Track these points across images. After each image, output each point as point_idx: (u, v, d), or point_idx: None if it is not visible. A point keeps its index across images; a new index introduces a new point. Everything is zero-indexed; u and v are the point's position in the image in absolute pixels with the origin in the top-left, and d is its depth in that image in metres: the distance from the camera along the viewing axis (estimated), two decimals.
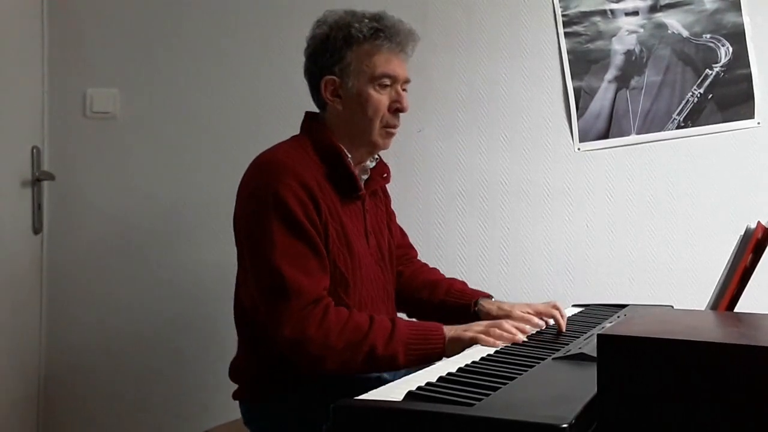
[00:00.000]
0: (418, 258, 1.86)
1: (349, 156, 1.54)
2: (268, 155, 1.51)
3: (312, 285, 1.39)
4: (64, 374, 2.23)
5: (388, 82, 1.52)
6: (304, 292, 1.38)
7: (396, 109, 1.54)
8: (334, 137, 1.54)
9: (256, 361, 1.54)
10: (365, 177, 1.62)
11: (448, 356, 1.38)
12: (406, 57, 1.57)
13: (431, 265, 1.86)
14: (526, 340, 1.37)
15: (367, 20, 1.52)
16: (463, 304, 1.66)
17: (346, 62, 1.51)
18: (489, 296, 1.70)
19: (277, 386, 1.51)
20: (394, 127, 1.56)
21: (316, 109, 1.61)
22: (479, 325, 1.41)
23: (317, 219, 1.43)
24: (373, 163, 1.64)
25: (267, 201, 1.41)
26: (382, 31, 1.51)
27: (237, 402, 1.62)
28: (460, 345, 1.37)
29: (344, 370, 1.40)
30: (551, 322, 1.54)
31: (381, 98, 1.52)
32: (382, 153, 1.66)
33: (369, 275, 1.55)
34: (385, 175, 1.69)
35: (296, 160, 1.47)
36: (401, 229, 1.83)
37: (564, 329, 1.49)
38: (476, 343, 1.35)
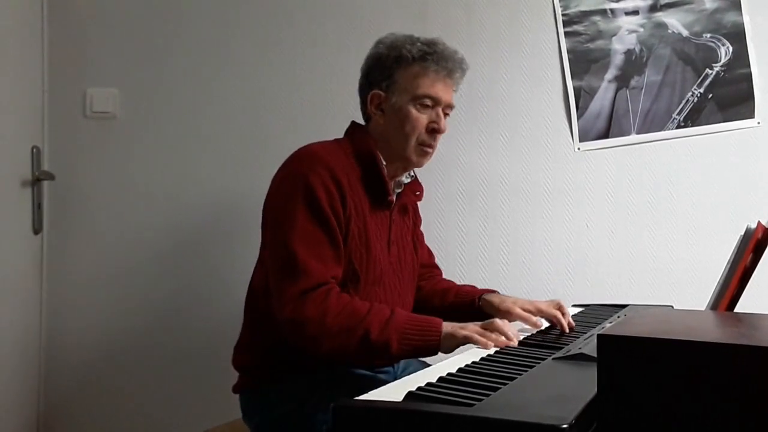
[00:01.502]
0: (442, 276, 1.90)
1: (384, 164, 1.59)
2: (306, 147, 1.56)
3: (322, 271, 1.43)
4: (64, 374, 2.23)
5: (429, 103, 1.58)
6: (312, 275, 1.41)
7: (433, 129, 1.59)
8: (374, 146, 1.59)
9: (258, 344, 1.58)
10: (398, 191, 1.67)
11: (443, 352, 1.39)
12: (453, 83, 1.63)
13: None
14: (516, 345, 1.37)
15: (419, 44, 1.59)
16: (469, 301, 1.70)
17: (393, 79, 1.58)
18: (495, 293, 1.72)
19: (276, 371, 1.54)
20: (430, 146, 1.61)
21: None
22: (476, 325, 1.42)
23: (341, 211, 1.48)
24: (408, 180, 1.69)
25: (297, 185, 1.47)
26: (431, 55, 1.57)
27: (237, 401, 1.62)
28: (455, 341, 1.38)
29: (340, 353, 1.41)
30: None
31: (420, 117, 1.58)
32: (417, 172, 1.71)
33: (384, 279, 1.58)
34: (418, 192, 1.75)
35: (332, 155, 1.53)
36: (429, 250, 1.89)
37: (566, 329, 1.49)
38: (470, 341, 1.36)
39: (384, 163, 1.59)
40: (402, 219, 1.70)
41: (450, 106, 1.62)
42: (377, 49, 1.63)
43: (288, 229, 1.44)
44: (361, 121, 1.67)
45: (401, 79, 1.58)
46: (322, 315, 1.38)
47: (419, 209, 1.82)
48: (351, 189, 1.51)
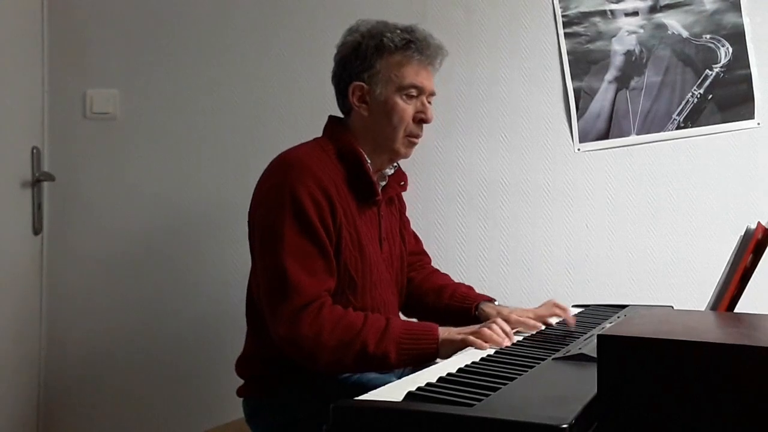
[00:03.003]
0: (431, 263, 1.87)
1: (369, 162, 1.56)
2: (290, 154, 1.52)
3: (313, 285, 1.40)
4: (64, 374, 2.23)
5: (414, 92, 1.55)
6: (303, 291, 1.38)
7: (420, 119, 1.57)
8: (357, 142, 1.56)
9: (261, 354, 1.55)
10: (383, 183, 1.64)
11: (441, 357, 1.38)
12: (434, 70, 1.60)
13: (434, 266, 1.87)
14: (514, 342, 1.36)
15: (399, 31, 1.55)
16: (465, 308, 1.67)
17: (375, 70, 1.54)
18: (492, 300, 1.70)
19: (280, 380, 1.52)
20: (417, 137, 1.59)
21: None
22: (472, 328, 1.41)
23: (330, 221, 1.45)
24: (392, 171, 1.66)
25: (283, 198, 1.43)
26: (414, 43, 1.54)
27: (237, 403, 1.62)
28: (452, 347, 1.37)
29: (337, 368, 1.40)
30: (553, 321, 1.54)
31: (407, 108, 1.55)
32: (401, 161, 1.69)
33: (380, 280, 1.56)
34: (402, 183, 1.71)
35: (317, 161, 1.49)
36: (416, 236, 1.85)
37: (572, 323, 1.48)
38: (468, 345, 1.35)
39: (368, 160, 1.56)
40: (389, 212, 1.67)
41: (433, 94, 1.59)
42: (353, 38, 1.57)
43: (277, 244, 1.41)
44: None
45: (384, 68, 1.54)
46: (318, 332, 1.36)
47: (403, 197, 1.79)
48: (339, 195, 1.47)
